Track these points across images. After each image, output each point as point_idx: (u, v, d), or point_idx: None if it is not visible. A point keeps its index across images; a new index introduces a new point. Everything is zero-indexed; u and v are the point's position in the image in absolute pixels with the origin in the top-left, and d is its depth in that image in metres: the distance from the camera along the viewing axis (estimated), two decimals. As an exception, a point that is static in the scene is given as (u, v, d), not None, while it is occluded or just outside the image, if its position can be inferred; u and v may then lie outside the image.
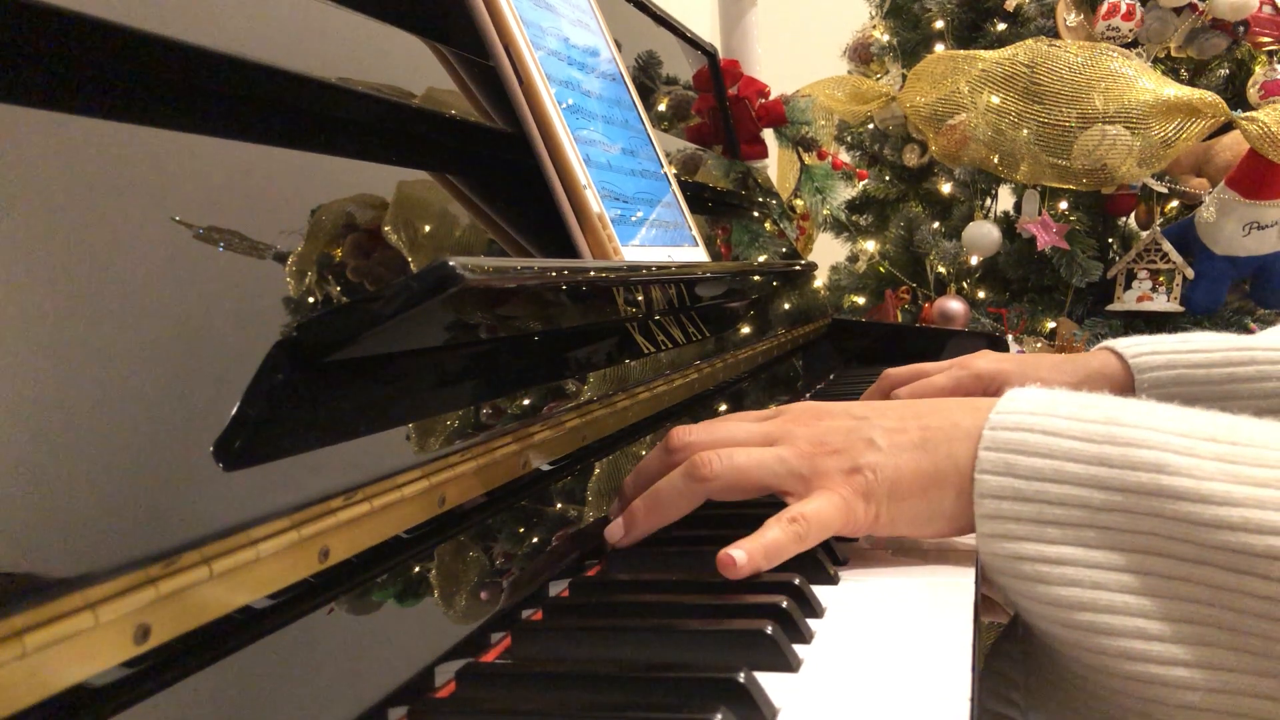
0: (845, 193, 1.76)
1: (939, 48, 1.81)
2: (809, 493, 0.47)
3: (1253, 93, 1.54)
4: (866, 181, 2.00)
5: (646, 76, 1.14)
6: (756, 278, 1.01)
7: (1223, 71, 1.63)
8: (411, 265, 0.48)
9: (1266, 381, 0.66)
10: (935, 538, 0.50)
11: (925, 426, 0.48)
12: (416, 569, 0.39)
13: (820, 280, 1.39)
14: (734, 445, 0.50)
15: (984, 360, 0.76)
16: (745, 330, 0.93)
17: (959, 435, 0.46)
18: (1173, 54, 1.63)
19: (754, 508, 0.59)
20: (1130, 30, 1.57)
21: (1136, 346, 0.71)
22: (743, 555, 0.43)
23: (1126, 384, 0.70)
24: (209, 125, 0.41)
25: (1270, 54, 1.58)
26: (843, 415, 0.50)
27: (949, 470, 0.46)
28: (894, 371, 0.79)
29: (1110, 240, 1.75)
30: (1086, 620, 0.40)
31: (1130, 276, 1.66)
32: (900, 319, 1.86)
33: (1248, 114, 1.41)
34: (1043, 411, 0.44)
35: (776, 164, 1.69)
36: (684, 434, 0.52)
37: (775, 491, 0.48)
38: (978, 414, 0.46)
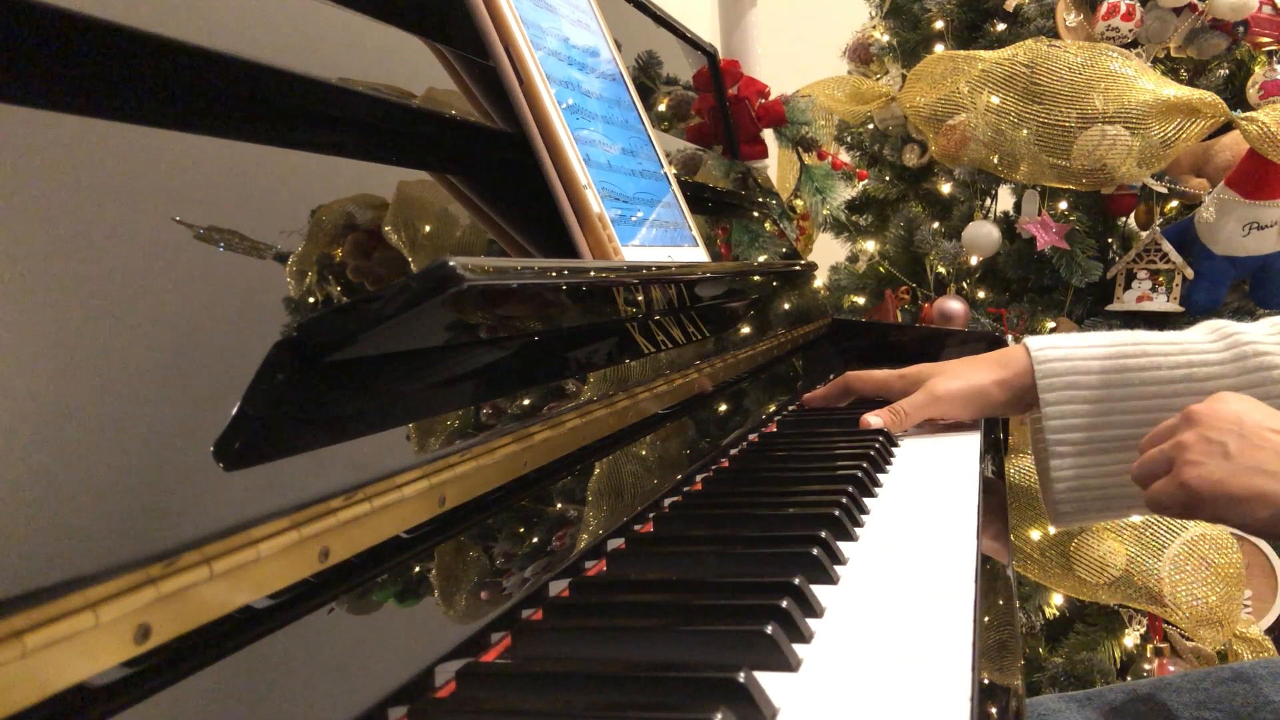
0: (845, 193, 1.75)
1: (939, 48, 1.80)
2: None
3: (1252, 93, 1.54)
4: (866, 181, 1.99)
5: (646, 76, 1.14)
6: (756, 278, 1.01)
7: (1222, 71, 1.63)
8: (411, 265, 0.48)
9: (1157, 370, 0.75)
10: None
11: None
12: (416, 569, 0.39)
13: (820, 280, 1.39)
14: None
15: (916, 367, 0.89)
16: (745, 330, 0.93)
17: None
18: (1173, 54, 1.62)
19: (757, 508, 0.59)
20: (1130, 30, 1.56)
21: (1041, 342, 0.81)
22: None
23: (1028, 373, 0.81)
24: (209, 125, 0.41)
25: (1270, 54, 1.58)
26: None
27: None
28: (851, 375, 0.94)
29: (1110, 240, 1.75)
30: None
31: (1130, 276, 1.66)
32: (900, 319, 1.86)
33: (1247, 114, 1.41)
34: None
35: (776, 164, 1.69)
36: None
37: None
38: None
